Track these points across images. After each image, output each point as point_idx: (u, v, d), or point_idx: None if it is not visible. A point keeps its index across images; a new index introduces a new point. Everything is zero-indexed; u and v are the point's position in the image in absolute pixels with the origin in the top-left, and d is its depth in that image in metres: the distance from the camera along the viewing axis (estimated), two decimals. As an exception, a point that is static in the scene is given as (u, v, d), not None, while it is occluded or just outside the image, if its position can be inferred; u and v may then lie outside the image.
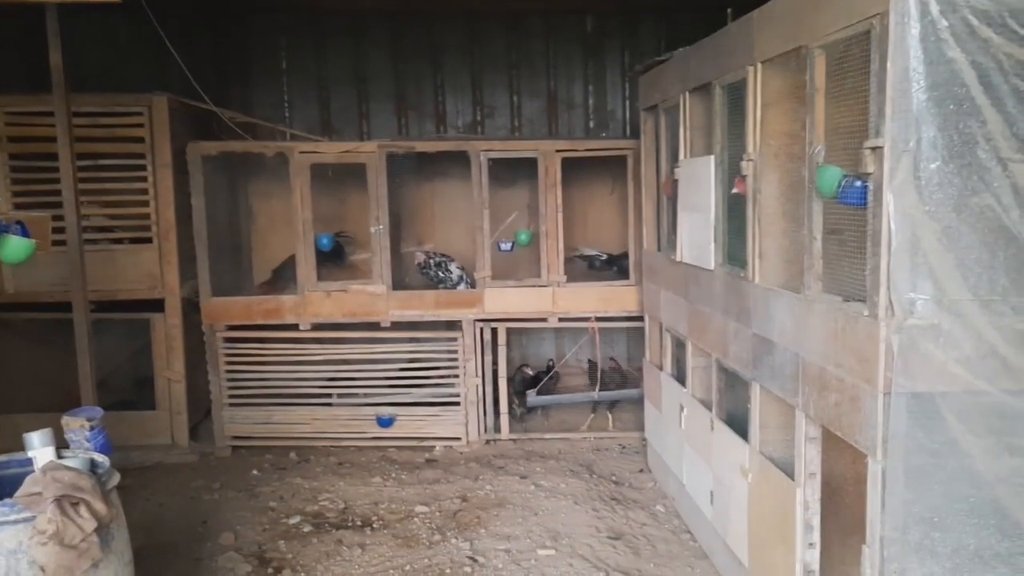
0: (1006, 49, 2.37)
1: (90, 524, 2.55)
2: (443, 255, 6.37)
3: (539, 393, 6.47)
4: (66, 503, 2.54)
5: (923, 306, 2.44)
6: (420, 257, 6.33)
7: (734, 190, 3.69)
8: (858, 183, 2.63)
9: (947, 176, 2.41)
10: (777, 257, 3.46)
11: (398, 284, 6.17)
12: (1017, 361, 2.45)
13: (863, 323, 2.59)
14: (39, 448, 2.84)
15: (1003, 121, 2.39)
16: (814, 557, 3.12)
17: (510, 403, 6.35)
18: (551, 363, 6.95)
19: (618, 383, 6.73)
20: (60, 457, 2.85)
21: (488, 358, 6.21)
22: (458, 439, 6.18)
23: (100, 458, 2.94)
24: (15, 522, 2.54)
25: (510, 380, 6.45)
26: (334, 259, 6.39)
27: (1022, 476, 2.49)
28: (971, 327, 2.44)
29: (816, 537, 3.12)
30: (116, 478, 2.88)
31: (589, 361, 6.93)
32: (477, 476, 5.54)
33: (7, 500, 2.59)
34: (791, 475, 3.19)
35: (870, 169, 2.52)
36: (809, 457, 3.07)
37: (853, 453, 2.86)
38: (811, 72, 2.93)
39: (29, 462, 2.87)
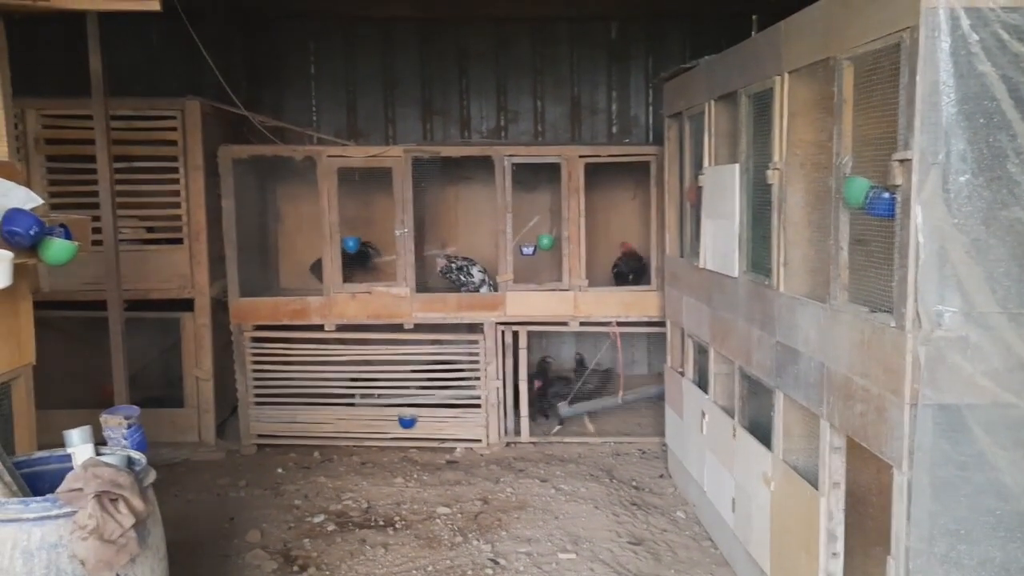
0: (1037, 64, 2.38)
1: (128, 520, 2.62)
2: (465, 258, 6.42)
3: (569, 403, 6.54)
4: (106, 499, 2.60)
5: (951, 318, 2.45)
6: (441, 263, 6.38)
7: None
8: (886, 194, 2.64)
9: (976, 189, 2.42)
10: (802, 266, 3.47)
11: (421, 287, 6.23)
12: (1045, 375, 2.46)
13: (890, 334, 2.60)
14: (79, 445, 2.91)
15: (1033, 135, 2.40)
16: (838, 567, 3.13)
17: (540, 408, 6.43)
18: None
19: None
20: (99, 454, 2.93)
21: (509, 361, 6.26)
22: (479, 441, 6.23)
23: (137, 455, 3.00)
24: (56, 517, 2.61)
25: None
26: (360, 263, 6.48)
27: (1049, 489, 2.49)
28: (1000, 340, 2.45)
29: (840, 547, 3.12)
30: (152, 475, 2.95)
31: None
32: (498, 478, 5.58)
33: (49, 495, 2.66)
34: (815, 484, 3.20)
35: (898, 181, 2.53)
36: (833, 467, 3.08)
37: (878, 463, 2.87)
38: (839, 83, 2.95)
39: (68, 458, 2.94)
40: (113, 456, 2.90)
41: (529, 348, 6.41)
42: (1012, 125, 2.40)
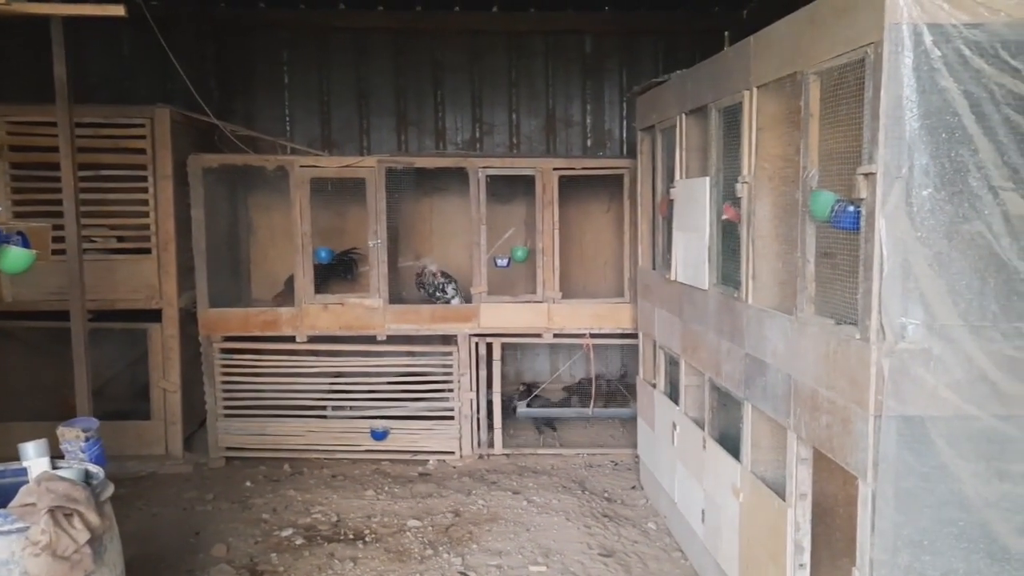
0: (998, 79, 2.42)
1: (83, 535, 2.56)
2: (444, 275, 6.36)
3: (528, 405, 6.50)
4: (60, 514, 2.54)
5: (914, 331, 2.47)
6: (422, 265, 6.36)
7: (724, 216, 3.74)
8: (851, 208, 2.67)
9: (939, 203, 2.45)
10: (770, 278, 3.49)
11: (395, 298, 6.19)
12: (1007, 386, 2.48)
13: (855, 346, 2.61)
14: (34, 458, 2.84)
15: (994, 150, 2.43)
16: (805, 578, 3.14)
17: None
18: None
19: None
20: (55, 467, 2.86)
21: (483, 373, 6.23)
22: (451, 453, 6.19)
23: (95, 469, 2.94)
24: (8, 532, 2.55)
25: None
26: (344, 274, 6.45)
27: (1011, 501, 2.51)
28: (961, 352, 2.47)
29: (806, 558, 3.13)
30: (110, 489, 2.89)
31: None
32: (470, 491, 5.54)
33: (0, 510, 2.60)
34: (782, 495, 3.20)
35: (863, 194, 2.56)
36: (800, 478, 3.09)
37: (844, 475, 2.88)
38: (806, 98, 2.98)
39: (23, 472, 2.88)
40: (70, 470, 2.85)
41: (503, 360, 6.38)
42: (973, 140, 2.43)
